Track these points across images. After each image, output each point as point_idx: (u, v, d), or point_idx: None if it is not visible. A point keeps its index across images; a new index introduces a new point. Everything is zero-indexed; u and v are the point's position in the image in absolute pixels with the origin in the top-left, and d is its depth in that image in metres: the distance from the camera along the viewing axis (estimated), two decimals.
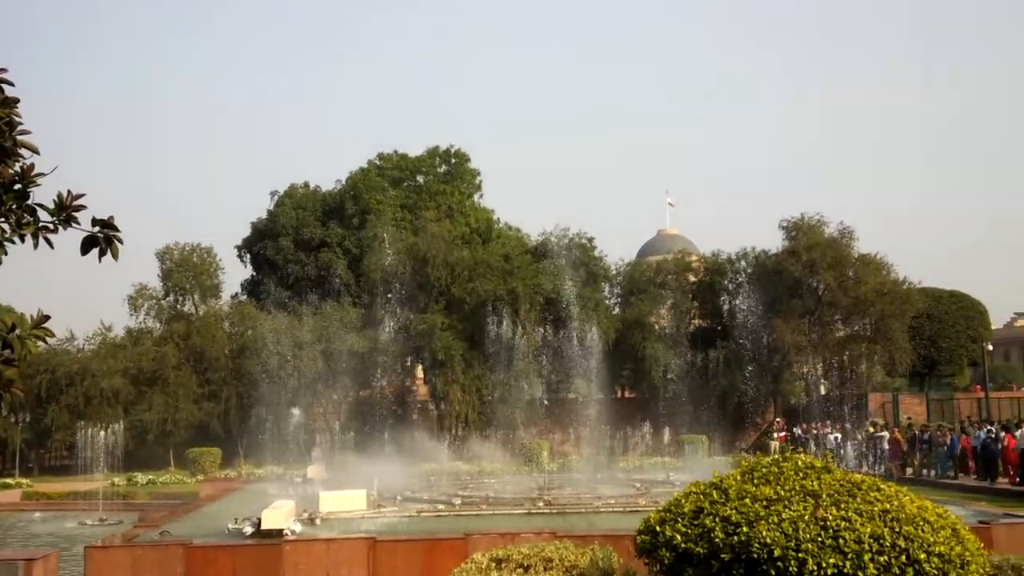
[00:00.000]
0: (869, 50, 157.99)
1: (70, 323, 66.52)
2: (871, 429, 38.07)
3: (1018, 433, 29.20)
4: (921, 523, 6.98)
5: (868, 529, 6.79)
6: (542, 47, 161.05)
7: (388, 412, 48.24)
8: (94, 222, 4.01)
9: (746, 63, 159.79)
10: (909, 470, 33.85)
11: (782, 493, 7.27)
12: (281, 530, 17.41)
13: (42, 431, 45.28)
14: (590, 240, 51.74)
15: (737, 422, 49.51)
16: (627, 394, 54.68)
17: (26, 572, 12.42)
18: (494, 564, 8.80)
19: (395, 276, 49.10)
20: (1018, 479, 28.59)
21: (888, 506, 7.10)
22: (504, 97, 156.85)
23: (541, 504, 23.56)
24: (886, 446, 34.65)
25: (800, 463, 7.79)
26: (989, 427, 31.10)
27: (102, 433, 37.37)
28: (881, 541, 6.75)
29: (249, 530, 17.79)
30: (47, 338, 4.13)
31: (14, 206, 3.87)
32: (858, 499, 7.18)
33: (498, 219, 59.58)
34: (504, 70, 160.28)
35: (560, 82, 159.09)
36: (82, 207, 3.97)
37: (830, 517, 6.91)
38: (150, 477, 38.82)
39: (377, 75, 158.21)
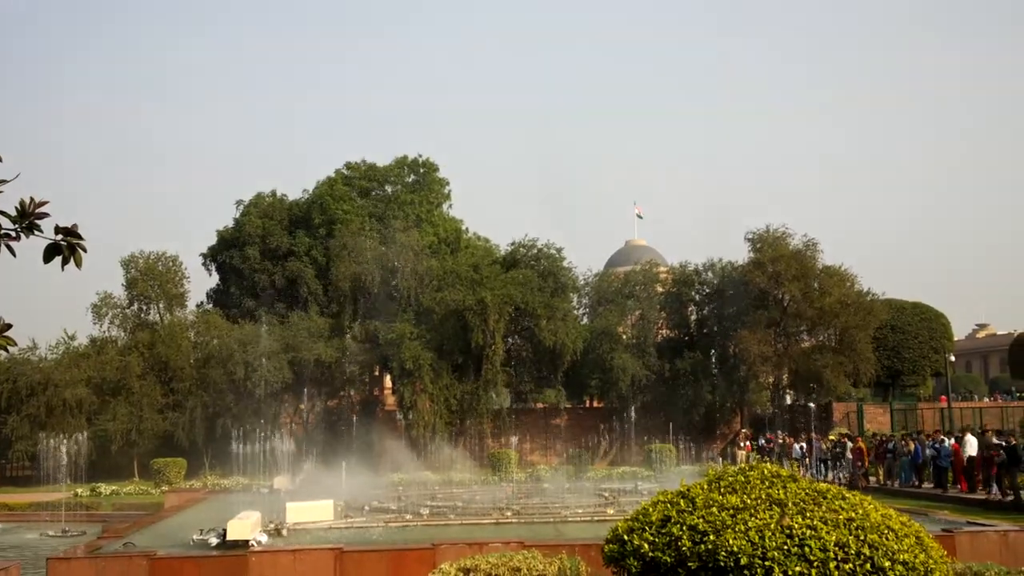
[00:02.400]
0: (832, 66, 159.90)
1: (32, 332, 65.49)
2: (834, 438, 38.40)
3: (966, 440, 29.61)
4: (885, 531, 7.05)
5: (833, 537, 6.85)
6: (510, 57, 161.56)
7: (356, 422, 48.01)
8: (57, 230, 3.96)
9: (714, 77, 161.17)
10: (873, 479, 34.17)
11: (748, 502, 7.32)
12: (247, 541, 17.27)
13: (2, 441, 44.53)
14: (559, 250, 51.86)
15: (704, 431, 49.77)
16: (595, 403, 54.80)
17: None
18: (462, 574, 8.78)
19: (363, 285, 48.90)
20: (967, 487, 29.07)
21: (853, 514, 7.16)
22: (472, 107, 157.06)
23: (509, 514, 23.55)
24: (850, 455, 34.94)
25: (766, 472, 7.84)
26: (943, 437, 31.60)
27: (65, 443, 36.84)
28: (846, 549, 6.81)
29: (215, 541, 17.64)
30: (8, 347, 4.07)
31: None
32: (823, 507, 7.24)
33: (467, 229, 59.53)
34: (473, 81, 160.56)
35: (529, 92, 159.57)
36: (45, 215, 3.92)
37: (796, 525, 6.96)
38: (114, 488, 38.32)
39: (345, 85, 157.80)
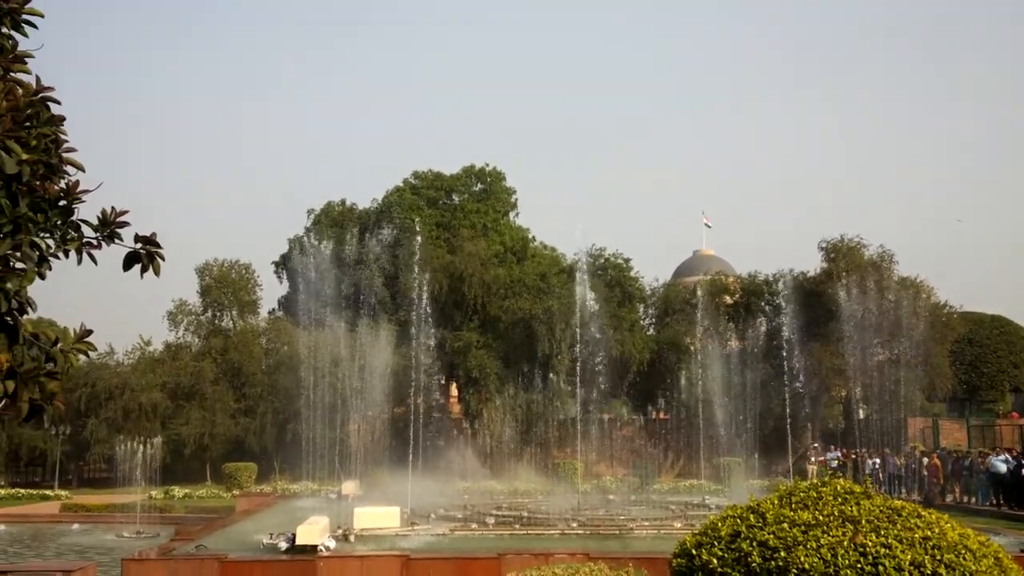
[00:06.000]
0: (911, 68, 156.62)
1: (110, 337, 67.19)
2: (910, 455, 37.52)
3: None
4: (963, 551, 6.84)
5: (908, 556, 6.67)
6: (578, 67, 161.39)
7: (422, 429, 48.30)
8: (137, 239, 4.05)
9: (786, 83, 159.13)
10: (949, 496, 33.30)
11: (820, 518, 7.17)
12: (316, 546, 17.47)
13: (81, 444, 45.82)
14: (626, 260, 51.64)
15: (774, 446, 48.95)
16: (662, 415, 54.35)
17: None
18: None
19: (431, 294, 49.23)
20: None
21: (929, 533, 6.97)
22: (540, 117, 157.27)
23: (575, 524, 23.45)
24: (925, 472, 34.10)
25: (839, 488, 7.67)
26: (1007, 453, 30.73)
27: (140, 447, 37.74)
28: (922, 569, 6.63)
29: (284, 545, 17.87)
30: (88, 352, 4.16)
31: (59, 222, 3.91)
32: (898, 525, 7.05)
33: (533, 238, 59.58)
34: (540, 90, 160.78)
35: (596, 101, 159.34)
36: (125, 224, 4.00)
37: (869, 543, 6.80)
38: (187, 491, 39.16)
39: (413, 93, 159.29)
